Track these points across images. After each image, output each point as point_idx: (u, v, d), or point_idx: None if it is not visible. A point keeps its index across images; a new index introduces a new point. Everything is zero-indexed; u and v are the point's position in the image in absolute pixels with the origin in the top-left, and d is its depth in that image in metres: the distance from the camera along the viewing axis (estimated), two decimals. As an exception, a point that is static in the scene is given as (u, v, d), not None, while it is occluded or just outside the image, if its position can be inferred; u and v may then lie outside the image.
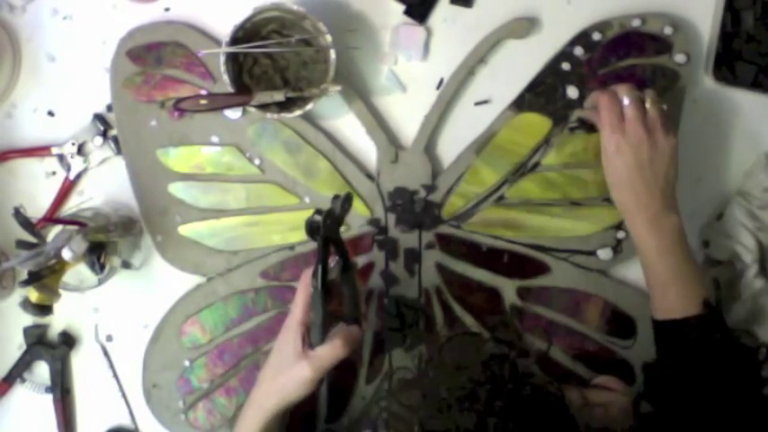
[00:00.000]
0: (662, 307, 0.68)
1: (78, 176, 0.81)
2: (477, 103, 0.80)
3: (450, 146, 0.80)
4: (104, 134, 0.80)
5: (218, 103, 0.75)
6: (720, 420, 0.63)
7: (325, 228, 0.62)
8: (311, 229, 0.62)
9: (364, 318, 0.66)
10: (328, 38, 0.74)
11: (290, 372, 0.63)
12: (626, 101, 0.69)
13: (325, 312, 0.63)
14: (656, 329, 0.70)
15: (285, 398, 0.64)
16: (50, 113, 0.81)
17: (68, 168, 0.80)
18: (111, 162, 0.81)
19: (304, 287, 0.65)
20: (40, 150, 0.81)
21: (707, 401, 0.64)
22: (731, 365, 0.65)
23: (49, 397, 0.80)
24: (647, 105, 0.69)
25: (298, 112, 0.74)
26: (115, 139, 0.80)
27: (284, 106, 0.75)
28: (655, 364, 0.70)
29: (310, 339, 0.63)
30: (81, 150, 0.80)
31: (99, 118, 0.80)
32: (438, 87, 0.80)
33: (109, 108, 0.81)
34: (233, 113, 0.79)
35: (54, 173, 0.81)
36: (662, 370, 0.69)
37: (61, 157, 0.80)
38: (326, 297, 0.63)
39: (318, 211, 0.62)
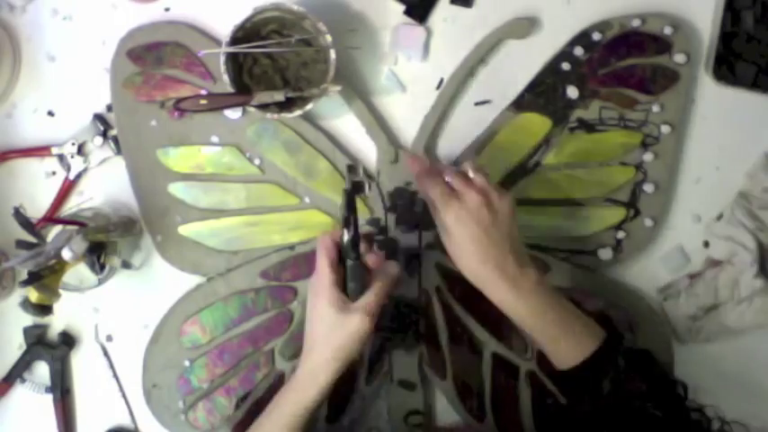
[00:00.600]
0: (558, 359, 0.66)
1: (78, 176, 0.81)
2: (478, 103, 0.80)
3: (451, 146, 0.80)
4: (104, 134, 0.80)
5: (218, 103, 0.75)
6: None
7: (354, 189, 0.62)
8: (355, 189, 0.62)
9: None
10: (328, 38, 0.74)
11: (344, 329, 0.61)
12: (448, 177, 0.66)
13: (363, 275, 0.62)
14: (558, 382, 0.68)
15: (347, 356, 0.62)
16: (50, 113, 0.81)
17: (68, 168, 0.80)
18: (111, 162, 0.81)
19: (324, 250, 0.63)
20: (40, 150, 0.81)
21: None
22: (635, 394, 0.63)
23: (49, 397, 0.80)
24: (471, 175, 0.66)
25: (298, 112, 0.74)
26: (115, 139, 0.80)
27: (284, 106, 0.75)
28: (567, 409, 0.68)
29: (349, 288, 0.62)
30: (81, 150, 0.80)
31: (99, 118, 0.80)
32: (438, 87, 0.80)
33: (109, 108, 0.81)
34: (233, 113, 0.79)
35: (54, 173, 0.81)
36: (573, 414, 0.67)
37: (61, 157, 0.80)
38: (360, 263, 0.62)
39: (351, 170, 0.63)
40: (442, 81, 0.80)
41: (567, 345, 0.64)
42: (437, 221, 0.67)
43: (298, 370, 0.65)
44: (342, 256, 0.64)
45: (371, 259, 0.65)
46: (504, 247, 0.64)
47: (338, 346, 0.62)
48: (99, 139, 0.80)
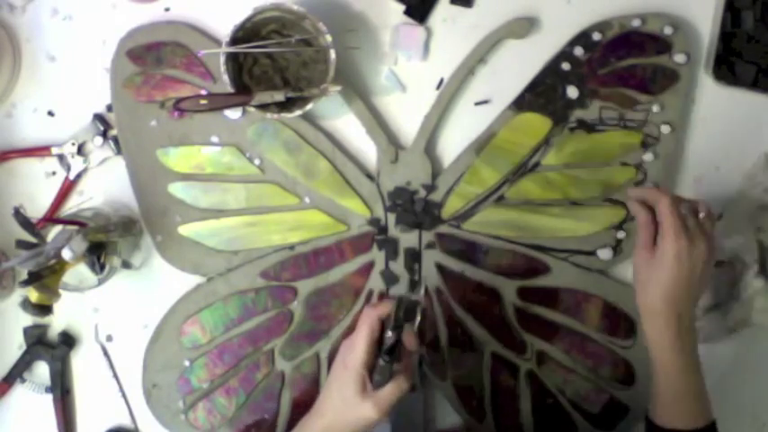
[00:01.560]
0: (666, 414, 0.67)
1: (78, 176, 0.81)
2: (478, 103, 0.80)
3: (451, 146, 0.80)
4: (104, 134, 0.80)
5: (218, 103, 0.75)
6: None
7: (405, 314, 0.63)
8: (409, 309, 0.63)
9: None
10: (328, 38, 0.74)
11: (356, 412, 0.62)
12: (684, 210, 0.66)
13: (392, 374, 0.63)
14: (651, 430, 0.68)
15: None
16: (50, 113, 0.81)
17: (68, 168, 0.80)
18: (111, 162, 0.81)
19: (368, 329, 0.64)
20: (40, 150, 0.81)
21: None
22: None
23: (49, 397, 0.80)
24: (701, 216, 0.67)
25: (298, 112, 0.74)
26: (115, 139, 0.80)
27: (284, 106, 0.75)
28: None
29: (374, 378, 0.63)
30: (81, 150, 0.80)
31: (99, 118, 0.80)
32: (438, 87, 0.80)
33: (109, 108, 0.81)
34: (233, 113, 0.79)
35: (54, 173, 0.81)
36: None
37: (61, 157, 0.80)
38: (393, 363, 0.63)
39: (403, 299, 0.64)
40: (441, 81, 0.80)
41: (681, 407, 0.66)
42: (643, 239, 0.66)
43: (306, 424, 0.66)
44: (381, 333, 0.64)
45: (404, 362, 0.65)
46: (694, 300, 0.66)
47: (345, 424, 0.64)
48: (99, 139, 0.80)
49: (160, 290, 0.80)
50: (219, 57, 0.74)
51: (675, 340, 0.65)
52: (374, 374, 0.63)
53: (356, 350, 0.63)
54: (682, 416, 0.66)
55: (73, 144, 0.80)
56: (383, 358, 0.62)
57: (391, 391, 0.62)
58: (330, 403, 0.65)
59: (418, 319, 0.64)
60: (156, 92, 0.79)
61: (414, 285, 0.78)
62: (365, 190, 0.79)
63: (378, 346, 0.63)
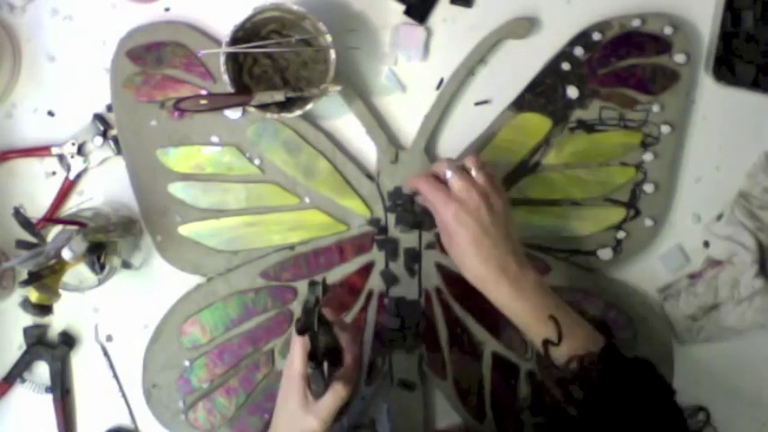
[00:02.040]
0: (554, 359, 0.64)
1: (78, 176, 0.81)
2: (478, 103, 0.80)
3: (451, 146, 0.80)
4: (104, 134, 0.80)
5: (218, 103, 0.75)
6: None
7: (312, 314, 0.62)
8: (316, 304, 0.62)
9: (349, 351, 0.66)
10: (328, 38, 0.74)
11: (299, 425, 0.63)
12: (449, 173, 0.66)
13: (326, 380, 0.63)
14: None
15: None
16: (50, 113, 0.81)
17: (68, 168, 0.80)
18: (111, 162, 0.81)
19: (300, 340, 0.64)
20: (40, 150, 0.81)
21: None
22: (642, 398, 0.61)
23: (49, 397, 0.80)
24: (473, 173, 0.66)
25: (298, 112, 0.74)
26: (115, 139, 0.80)
27: (284, 106, 0.75)
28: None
29: (312, 388, 0.63)
30: (81, 150, 0.80)
31: (99, 118, 0.80)
32: (438, 87, 0.80)
33: (109, 108, 0.81)
34: (233, 113, 0.79)
35: (54, 173, 0.81)
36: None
37: (61, 157, 0.80)
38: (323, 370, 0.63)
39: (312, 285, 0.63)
40: (442, 81, 0.80)
41: (563, 347, 0.64)
42: (438, 222, 0.67)
43: None
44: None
45: (345, 366, 0.65)
46: (505, 247, 0.65)
47: None
48: (99, 139, 0.80)
49: (160, 290, 0.80)
50: (219, 57, 0.74)
51: (513, 290, 0.64)
52: (311, 385, 0.63)
53: (293, 363, 0.64)
54: (564, 354, 0.63)
55: (73, 144, 0.80)
56: (309, 366, 0.62)
57: (329, 400, 0.63)
58: (280, 417, 0.66)
59: (320, 297, 0.62)
60: (156, 92, 0.79)
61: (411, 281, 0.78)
62: (365, 190, 0.79)
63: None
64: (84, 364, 0.81)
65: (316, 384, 0.63)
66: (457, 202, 0.64)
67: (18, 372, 0.80)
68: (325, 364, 0.63)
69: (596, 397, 0.61)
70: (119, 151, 0.80)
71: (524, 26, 0.79)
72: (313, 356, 0.63)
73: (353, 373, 0.66)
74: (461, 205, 0.64)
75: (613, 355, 0.63)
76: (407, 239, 0.78)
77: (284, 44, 0.76)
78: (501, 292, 0.65)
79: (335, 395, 0.63)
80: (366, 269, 0.79)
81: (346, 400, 0.64)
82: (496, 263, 0.64)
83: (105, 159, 0.81)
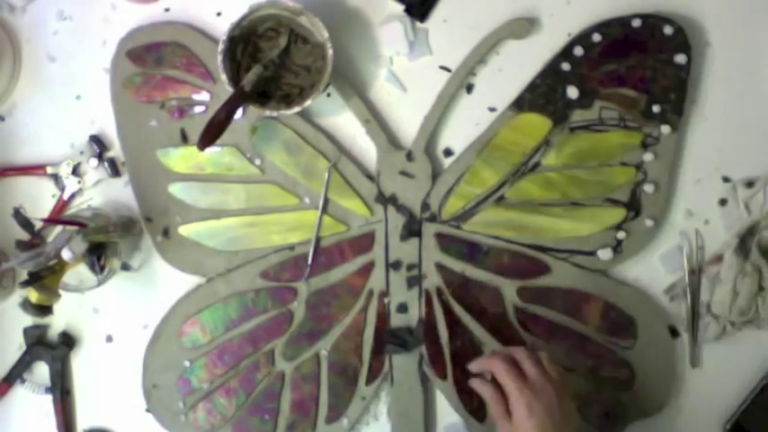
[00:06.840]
0: None
1: (72, 197, 0.81)
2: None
3: (451, 146, 0.80)
4: (100, 156, 0.80)
5: (224, 111, 0.72)
6: None
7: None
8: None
9: None
10: (325, 34, 0.74)
11: None
12: (525, 365, 0.67)
13: None
14: None
15: None
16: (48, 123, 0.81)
17: (63, 189, 0.80)
18: (105, 183, 0.81)
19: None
20: (35, 169, 0.80)
21: None
22: None
23: (49, 397, 0.80)
24: (545, 364, 0.67)
25: (296, 109, 0.74)
26: (110, 161, 0.80)
27: (283, 103, 0.75)
28: None
29: None
30: (76, 171, 0.80)
31: (95, 139, 0.80)
32: (443, 69, 0.79)
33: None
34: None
35: (53, 195, 0.81)
36: None
37: (56, 177, 0.80)
38: None
39: None
40: (448, 69, 0.80)
41: None
42: (496, 412, 0.67)
43: None
44: None
45: None
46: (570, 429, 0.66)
47: None
48: (94, 161, 0.80)
49: (160, 290, 0.80)
50: (217, 56, 0.73)
51: None
52: None
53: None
54: None
55: (68, 164, 0.80)
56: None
57: None
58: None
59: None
60: (156, 92, 0.79)
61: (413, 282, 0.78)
62: (365, 190, 0.79)
63: None
64: (84, 365, 0.81)
65: None
66: (533, 392, 0.65)
67: (18, 372, 0.80)
68: None
69: None
70: (114, 173, 0.80)
71: (524, 26, 0.79)
72: None
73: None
74: (536, 395, 0.65)
75: None
76: (407, 250, 0.78)
77: (278, 43, 0.76)
78: None
79: None
80: (366, 269, 0.79)
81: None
82: None
83: (99, 181, 0.81)
